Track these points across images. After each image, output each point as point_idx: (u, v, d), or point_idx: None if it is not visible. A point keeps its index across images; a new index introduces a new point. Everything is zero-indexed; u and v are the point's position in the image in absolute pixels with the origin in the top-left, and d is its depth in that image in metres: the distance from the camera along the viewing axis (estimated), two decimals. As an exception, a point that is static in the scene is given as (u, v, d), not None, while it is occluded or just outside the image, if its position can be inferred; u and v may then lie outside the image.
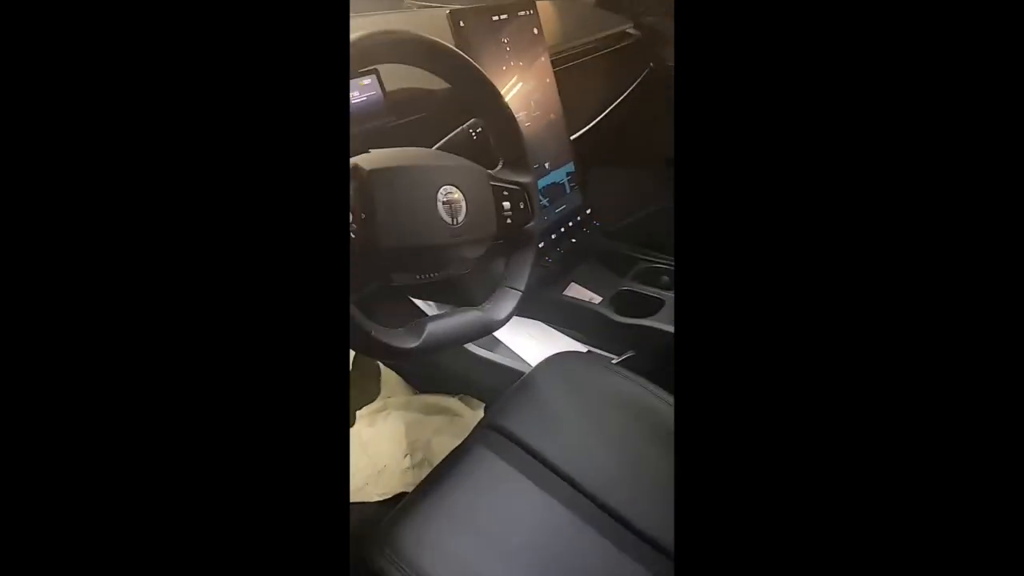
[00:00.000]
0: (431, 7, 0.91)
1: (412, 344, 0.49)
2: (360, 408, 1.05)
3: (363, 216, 0.46)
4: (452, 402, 1.00)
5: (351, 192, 0.46)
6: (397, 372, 1.08)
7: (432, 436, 0.97)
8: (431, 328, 0.50)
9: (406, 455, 0.94)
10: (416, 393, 1.06)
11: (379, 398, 1.06)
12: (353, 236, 0.45)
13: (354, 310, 0.45)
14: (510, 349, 0.92)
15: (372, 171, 0.47)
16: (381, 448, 0.97)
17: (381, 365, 1.10)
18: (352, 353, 1.11)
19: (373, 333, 0.46)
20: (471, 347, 0.91)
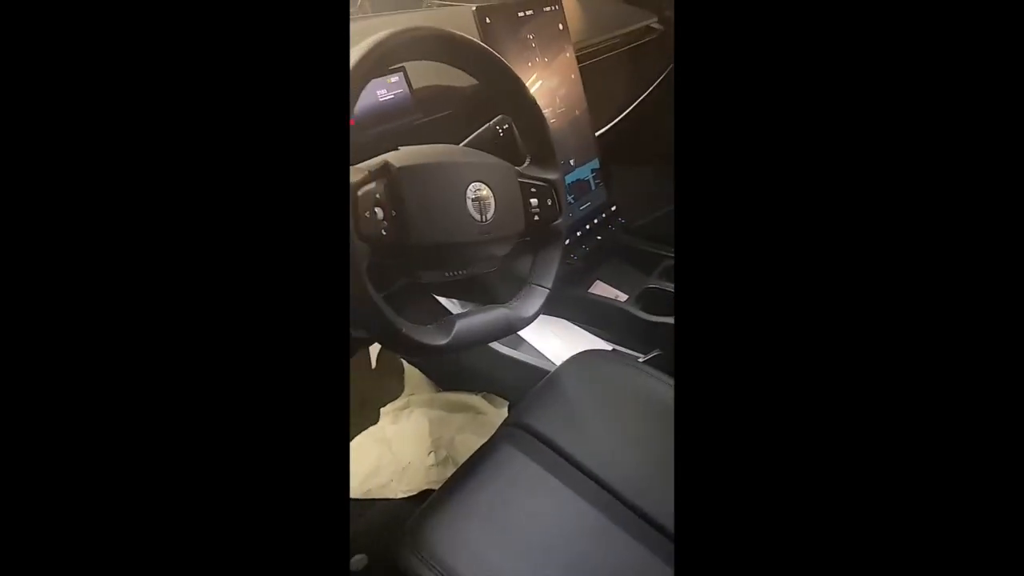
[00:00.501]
0: (455, 5, 0.91)
1: (442, 341, 0.48)
2: (384, 406, 1.05)
3: (393, 213, 0.46)
4: (476, 400, 1.00)
5: (381, 189, 0.46)
6: (420, 370, 1.09)
7: (456, 434, 0.97)
8: (460, 325, 0.50)
9: (430, 452, 0.94)
10: (439, 391, 1.06)
11: (403, 396, 1.07)
12: (384, 233, 0.45)
13: (383, 306, 0.45)
14: (534, 347, 0.92)
15: (401, 168, 0.47)
16: (405, 445, 0.98)
17: (404, 362, 1.10)
18: (376, 350, 1.13)
19: (403, 330, 0.46)
20: (495, 344, 0.91)
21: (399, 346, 0.47)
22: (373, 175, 0.46)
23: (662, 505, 0.57)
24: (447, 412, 1.01)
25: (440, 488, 0.60)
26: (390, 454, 0.97)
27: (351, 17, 0.87)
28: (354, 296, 0.43)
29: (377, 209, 0.45)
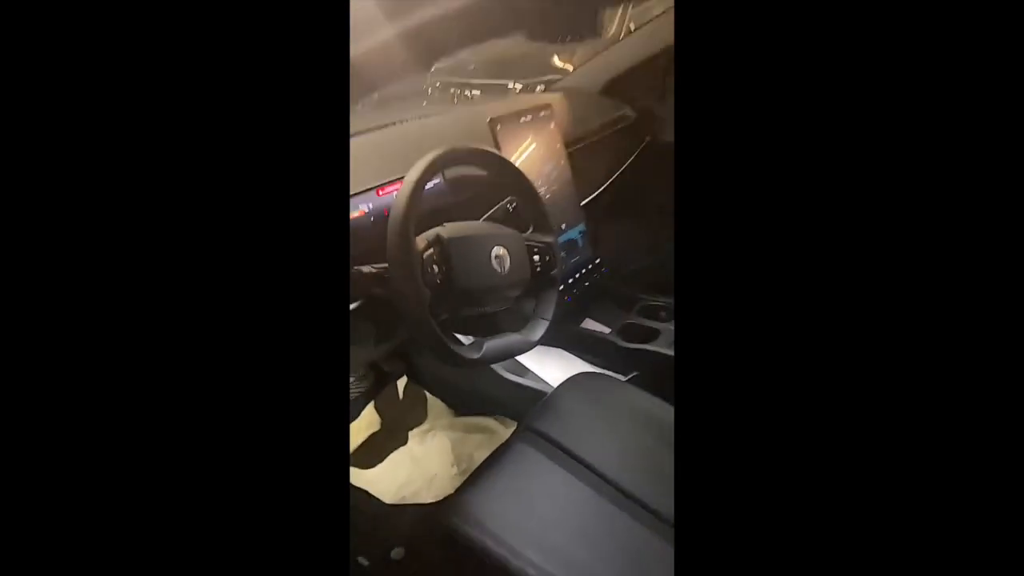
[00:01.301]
0: (477, 105, 1.17)
1: (476, 355, 0.69)
2: (411, 430, 1.24)
3: (444, 268, 0.68)
4: (489, 422, 1.19)
5: (436, 252, 0.68)
6: (441, 399, 1.28)
7: (474, 450, 1.16)
8: (488, 345, 0.71)
9: (453, 465, 1.12)
10: (458, 415, 1.25)
11: (426, 421, 1.26)
12: (438, 282, 0.67)
13: (439, 331, 0.66)
14: (536, 374, 1.12)
15: (449, 238, 0.69)
16: (431, 461, 1.16)
17: (427, 393, 1.30)
18: (403, 383, 1.32)
19: (452, 346, 0.67)
20: (504, 373, 1.11)
21: (447, 358, 0.68)
22: (430, 243, 0.68)
23: (646, 488, 0.74)
24: (465, 433, 1.20)
25: (471, 474, 0.78)
26: (419, 469, 1.15)
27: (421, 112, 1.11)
28: (419, 323, 0.65)
29: (434, 266, 0.67)
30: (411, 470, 1.14)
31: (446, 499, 0.75)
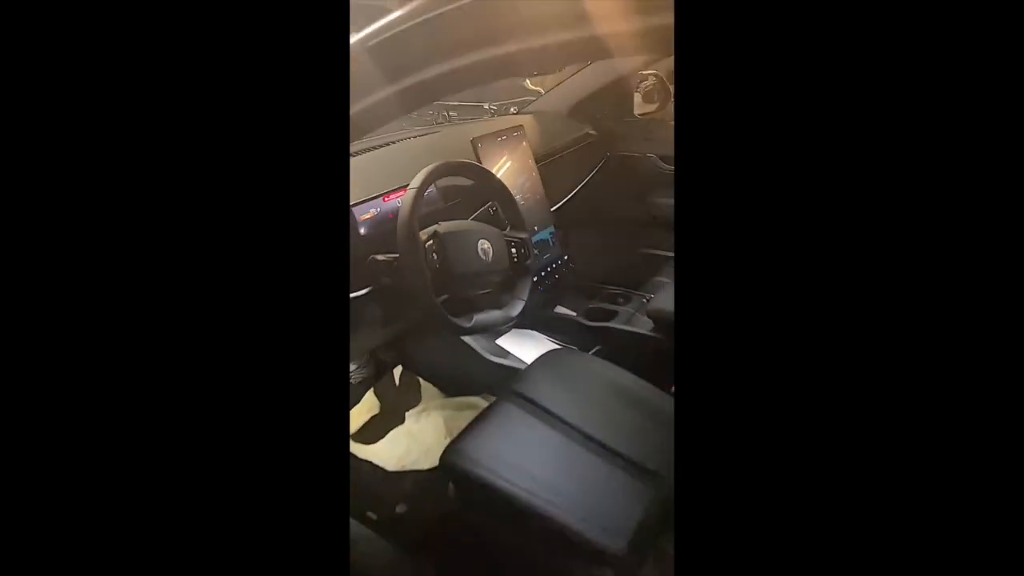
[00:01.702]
0: (459, 125, 1.36)
1: (467, 325, 0.87)
2: (408, 411, 1.40)
3: (441, 256, 0.86)
4: (477, 400, 1.36)
5: (435, 243, 0.86)
6: (433, 383, 1.45)
7: (465, 424, 1.32)
8: (476, 318, 0.89)
9: (446, 437, 1.29)
10: (448, 396, 1.42)
11: (421, 403, 1.42)
12: (437, 267, 0.85)
13: (439, 306, 0.84)
14: (515, 356, 1.30)
15: (444, 233, 0.87)
16: (427, 436, 1.32)
17: (421, 380, 1.46)
18: (399, 371, 1.48)
19: (449, 318, 0.85)
20: (488, 356, 1.29)
21: (446, 326, 0.86)
22: (430, 236, 0.86)
23: (615, 438, 0.89)
24: (456, 410, 1.36)
25: (464, 428, 0.95)
26: (416, 442, 1.31)
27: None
28: (423, 298, 0.82)
29: (433, 254, 0.85)
30: (409, 444, 1.30)
31: (446, 448, 0.91)
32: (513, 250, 0.98)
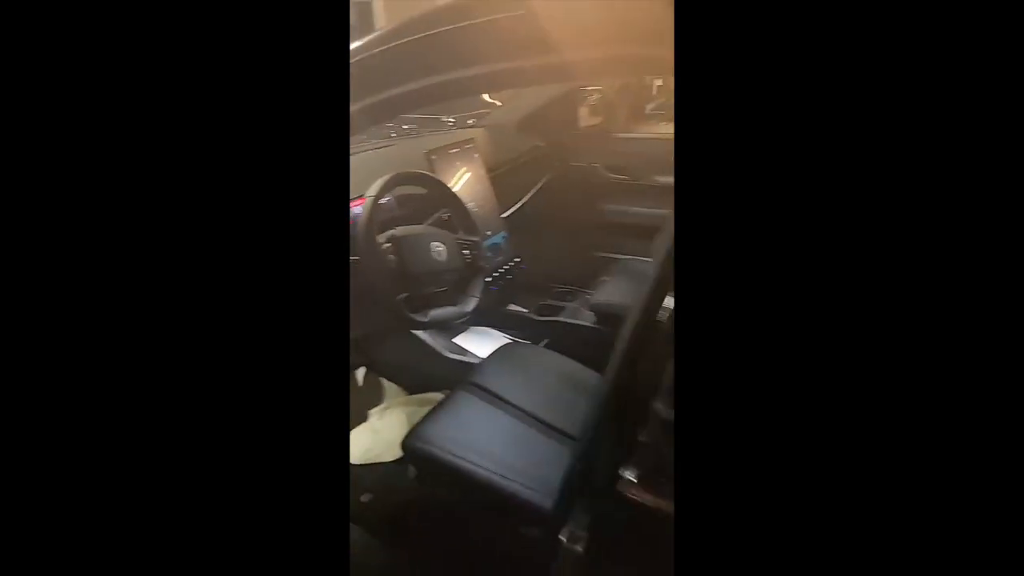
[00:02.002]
0: (415, 138, 1.46)
1: (424, 319, 0.96)
2: (371, 409, 1.47)
3: (398, 257, 0.95)
4: (437, 395, 1.44)
5: (390, 247, 0.95)
6: (395, 382, 1.52)
7: (425, 418, 1.40)
8: (432, 313, 0.98)
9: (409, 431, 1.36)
10: (410, 394, 1.49)
11: (384, 400, 1.49)
12: (394, 267, 0.94)
13: (399, 303, 0.93)
14: (472, 352, 1.39)
15: (401, 236, 0.96)
16: (390, 431, 1.39)
17: (383, 379, 1.53)
18: (362, 373, 1.55)
19: (407, 313, 0.94)
20: (447, 354, 1.38)
21: (405, 321, 0.94)
22: (388, 239, 0.95)
23: (558, 416, 1.00)
24: (419, 407, 1.44)
25: (428, 412, 1.04)
26: (379, 437, 1.37)
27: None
28: (383, 296, 0.91)
29: (391, 256, 0.94)
30: (373, 439, 1.37)
31: (407, 434, 0.99)
32: (465, 252, 1.08)
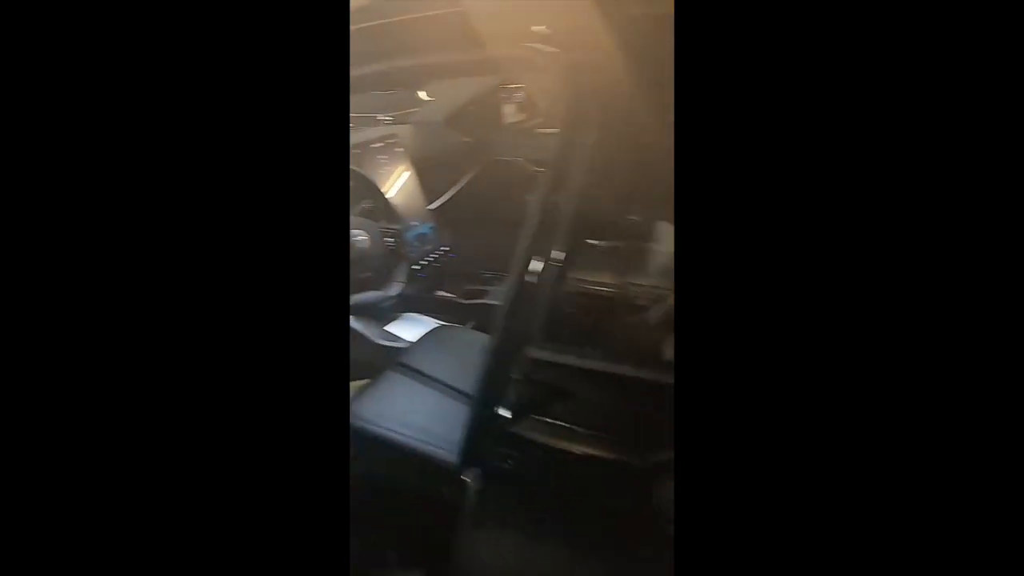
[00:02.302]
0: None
1: (350, 304, 1.03)
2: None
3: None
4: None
5: None
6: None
7: (359, 403, 1.45)
8: (355, 297, 1.05)
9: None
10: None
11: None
12: None
13: None
14: (403, 339, 1.46)
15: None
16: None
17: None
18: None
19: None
20: (379, 341, 1.43)
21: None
22: None
23: (470, 381, 1.05)
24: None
25: (365, 385, 1.09)
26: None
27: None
28: None
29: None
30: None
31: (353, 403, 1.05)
32: (388, 240, 1.15)
